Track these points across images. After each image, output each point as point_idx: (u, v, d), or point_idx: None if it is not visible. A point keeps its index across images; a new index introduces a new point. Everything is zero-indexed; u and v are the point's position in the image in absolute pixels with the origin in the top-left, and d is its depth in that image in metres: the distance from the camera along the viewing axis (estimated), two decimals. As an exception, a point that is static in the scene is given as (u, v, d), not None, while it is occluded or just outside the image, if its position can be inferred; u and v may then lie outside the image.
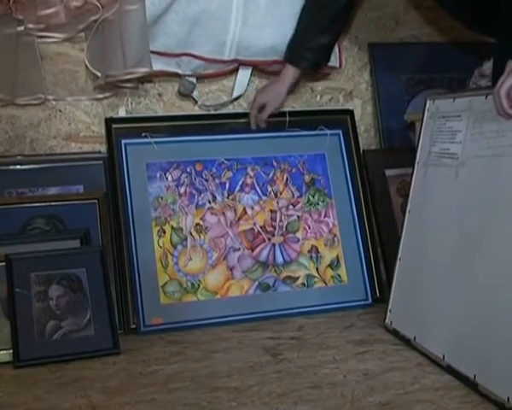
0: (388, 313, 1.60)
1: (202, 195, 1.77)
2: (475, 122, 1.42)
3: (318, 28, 1.80)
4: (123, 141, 1.75)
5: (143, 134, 1.77)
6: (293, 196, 1.84)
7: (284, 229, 1.81)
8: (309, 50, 1.82)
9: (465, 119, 1.45)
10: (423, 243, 1.52)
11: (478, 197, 1.36)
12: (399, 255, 1.60)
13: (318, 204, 1.85)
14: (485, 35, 1.80)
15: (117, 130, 1.80)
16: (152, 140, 1.76)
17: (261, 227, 1.79)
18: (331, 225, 1.84)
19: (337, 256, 1.82)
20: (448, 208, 1.45)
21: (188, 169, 1.77)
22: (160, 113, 1.89)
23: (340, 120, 1.98)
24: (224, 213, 1.78)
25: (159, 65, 1.78)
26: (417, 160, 1.60)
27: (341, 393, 1.27)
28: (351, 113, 2.01)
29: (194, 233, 1.75)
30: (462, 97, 1.49)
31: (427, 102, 1.61)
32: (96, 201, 1.72)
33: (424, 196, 1.55)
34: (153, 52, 1.73)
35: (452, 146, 1.48)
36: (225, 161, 1.81)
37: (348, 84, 2.08)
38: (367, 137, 2.09)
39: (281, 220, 1.81)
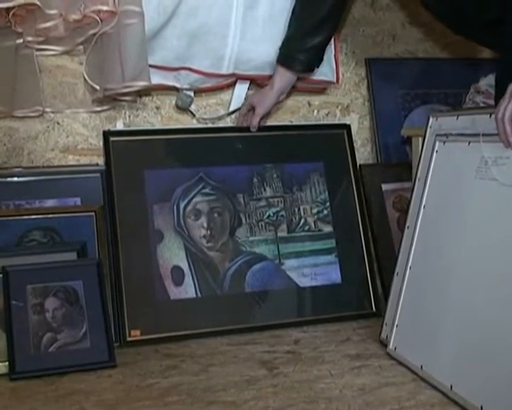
0: (384, 326, 1.60)
1: None
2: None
3: (309, 29, 1.78)
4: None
5: None
6: None
7: None
8: (301, 52, 1.79)
9: None
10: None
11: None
12: (397, 270, 1.60)
13: None
14: (471, 40, 1.84)
15: (114, 143, 1.80)
16: None
17: None
18: None
19: None
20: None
21: None
22: (158, 126, 1.90)
23: (337, 134, 1.99)
24: None
25: (157, 78, 1.78)
26: (418, 176, 1.59)
27: (337, 408, 1.27)
28: (347, 127, 2.02)
29: None
30: (466, 115, 1.47)
31: (430, 119, 1.59)
32: (93, 213, 1.72)
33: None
34: (151, 66, 1.73)
35: None
36: None
37: (345, 98, 2.09)
38: (363, 151, 2.10)
39: None
